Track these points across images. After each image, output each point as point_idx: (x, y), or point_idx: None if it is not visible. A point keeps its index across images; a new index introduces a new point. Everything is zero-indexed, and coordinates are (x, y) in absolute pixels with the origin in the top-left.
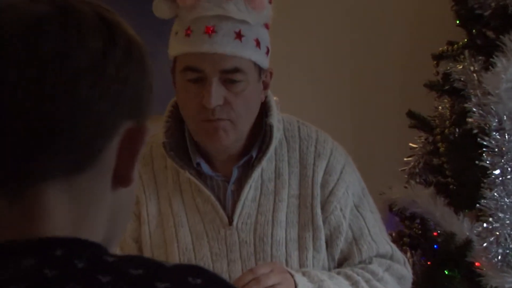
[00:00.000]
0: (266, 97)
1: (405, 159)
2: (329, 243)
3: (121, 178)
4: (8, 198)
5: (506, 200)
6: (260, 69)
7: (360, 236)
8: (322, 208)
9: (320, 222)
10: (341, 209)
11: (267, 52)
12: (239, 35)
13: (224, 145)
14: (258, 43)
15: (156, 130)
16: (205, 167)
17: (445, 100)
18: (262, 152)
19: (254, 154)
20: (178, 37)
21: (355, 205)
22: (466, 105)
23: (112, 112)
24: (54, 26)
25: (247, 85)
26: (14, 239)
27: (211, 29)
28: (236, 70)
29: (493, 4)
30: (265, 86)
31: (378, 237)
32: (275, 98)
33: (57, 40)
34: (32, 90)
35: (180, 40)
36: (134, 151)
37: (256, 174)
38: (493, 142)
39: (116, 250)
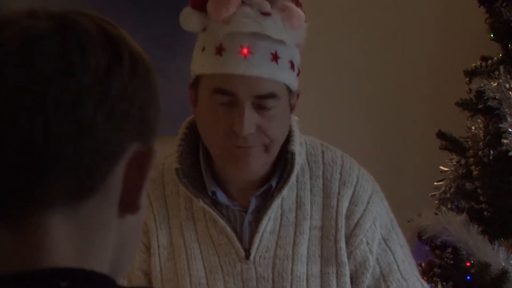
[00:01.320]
0: None
1: (435, 183)
2: (354, 280)
3: (128, 205)
4: (9, 227)
5: None
6: (290, 92)
7: (389, 272)
8: (347, 242)
9: (345, 257)
10: (367, 243)
11: (298, 74)
12: (275, 57)
13: (252, 172)
14: (292, 65)
15: (167, 153)
16: (221, 196)
17: (479, 120)
18: (283, 180)
19: (274, 183)
20: (207, 54)
21: (383, 238)
22: (501, 125)
23: (118, 134)
24: (54, 43)
25: (279, 109)
26: (16, 271)
27: (248, 49)
28: (271, 95)
29: None
30: (292, 109)
31: (408, 273)
32: (295, 118)
33: (58, 59)
34: (32, 112)
35: (210, 57)
36: (141, 176)
37: (276, 204)
38: None
39: (123, 281)
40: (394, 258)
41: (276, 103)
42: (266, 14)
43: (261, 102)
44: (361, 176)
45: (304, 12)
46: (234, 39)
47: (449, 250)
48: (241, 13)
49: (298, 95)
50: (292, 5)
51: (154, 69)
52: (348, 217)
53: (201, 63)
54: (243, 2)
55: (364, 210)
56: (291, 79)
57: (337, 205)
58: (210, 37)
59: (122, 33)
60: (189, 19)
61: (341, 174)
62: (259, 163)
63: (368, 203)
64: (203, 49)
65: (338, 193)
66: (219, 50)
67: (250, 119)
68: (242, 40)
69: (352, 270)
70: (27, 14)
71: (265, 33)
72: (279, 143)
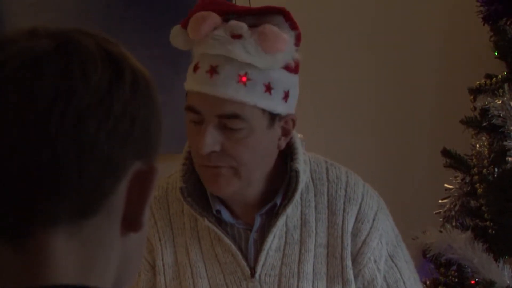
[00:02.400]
0: (290, 139)
1: (440, 201)
2: None
3: (130, 223)
4: (12, 245)
5: None
6: (272, 116)
7: None
8: (354, 260)
9: (351, 275)
10: (375, 261)
11: (285, 97)
12: (243, 79)
13: (225, 193)
14: (268, 88)
15: (172, 170)
16: (226, 215)
17: (483, 138)
18: (288, 198)
19: (278, 201)
20: (189, 72)
21: (389, 255)
22: (505, 143)
23: (120, 152)
24: (56, 63)
25: (249, 132)
26: None
27: (215, 69)
28: (235, 116)
29: None
30: (286, 133)
31: None
32: (299, 135)
33: (59, 79)
34: (35, 133)
35: (189, 75)
36: (144, 194)
37: (281, 222)
38: None
39: None
40: (401, 275)
41: (243, 125)
42: (236, 36)
43: (225, 123)
44: (366, 193)
45: (299, 33)
46: (205, 58)
47: (454, 267)
48: (212, 35)
49: (294, 121)
50: (273, 30)
51: (155, 86)
52: (354, 235)
53: (186, 80)
54: (224, 20)
55: (371, 228)
56: (267, 102)
57: (343, 223)
58: (194, 55)
59: (123, 51)
60: (176, 37)
61: (346, 191)
62: (230, 186)
63: (374, 220)
64: (190, 67)
65: (344, 210)
66: (195, 69)
67: (211, 138)
68: (212, 60)
69: None
70: (28, 34)
71: (230, 56)
72: (250, 167)
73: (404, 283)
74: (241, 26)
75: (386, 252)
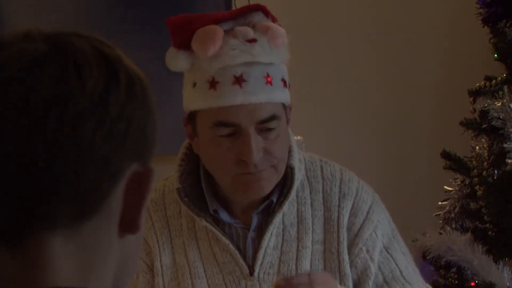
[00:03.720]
0: None
1: (439, 203)
2: None
3: (128, 224)
4: (10, 248)
5: None
6: (285, 107)
7: (392, 278)
8: (348, 252)
9: (348, 270)
10: (367, 251)
11: (289, 86)
12: (269, 79)
13: (266, 193)
14: (284, 83)
15: (169, 171)
16: (223, 215)
17: (483, 140)
18: (284, 196)
19: (274, 198)
20: (200, 90)
21: (385, 247)
22: (505, 145)
23: (117, 155)
24: (51, 67)
25: (280, 128)
26: None
27: (241, 78)
28: (273, 117)
29: None
30: (288, 121)
31: (412, 278)
32: (299, 137)
33: (55, 82)
34: (32, 137)
35: (204, 92)
36: (141, 196)
37: (278, 220)
38: None
39: None
40: (397, 265)
41: (278, 124)
42: (252, 41)
43: (264, 126)
44: (360, 188)
45: (280, 25)
46: (226, 71)
47: (454, 270)
48: (228, 46)
49: (290, 108)
50: (273, 25)
51: (150, 87)
52: (349, 229)
53: (194, 99)
54: (225, 32)
55: (364, 220)
56: (285, 96)
57: (338, 218)
58: (200, 72)
59: (118, 53)
60: (176, 60)
61: (340, 187)
62: (271, 184)
63: (368, 213)
64: (194, 85)
65: (339, 206)
66: (213, 84)
67: (257, 146)
68: (234, 71)
69: (355, 279)
70: (23, 37)
71: (256, 60)
72: (285, 160)
73: (400, 272)
74: (249, 30)
75: (381, 244)
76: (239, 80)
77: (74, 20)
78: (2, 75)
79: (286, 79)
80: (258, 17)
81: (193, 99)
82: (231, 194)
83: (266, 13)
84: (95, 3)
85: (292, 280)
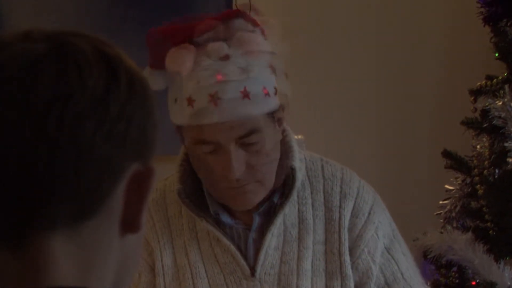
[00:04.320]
0: (285, 136)
1: (440, 202)
2: None
3: (129, 224)
4: (10, 248)
5: None
6: (271, 114)
7: (393, 281)
8: (350, 254)
9: (349, 271)
10: (369, 252)
11: (275, 92)
12: (246, 94)
13: (253, 205)
14: (266, 92)
15: (169, 171)
16: (224, 216)
17: (484, 139)
18: (285, 196)
19: (276, 199)
20: (180, 106)
21: (386, 248)
22: (506, 144)
23: (118, 154)
24: (51, 67)
25: (264, 140)
26: None
27: (215, 96)
28: (252, 131)
29: None
30: (280, 123)
31: (413, 280)
32: (300, 136)
33: (56, 82)
34: (32, 137)
35: (183, 109)
36: (141, 195)
37: (279, 220)
38: None
39: None
40: (398, 267)
41: (260, 136)
42: (225, 58)
43: (244, 141)
44: (361, 188)
45: (262, 30)
46: (201, 90)
47: (455, 269)
48: (200, 66)
49: (283, 108)
50: (247, 35)
51: (150, 87)
52: (350, 230)
53: (176, 115)
54: (198, 48)
55: (366, 221)
56: (269, 105)
57: (339, 218)
58: (179, 89)
59: (118, 52)
60: (152, 79)
61: (341, 187)
62: (258, 197)
63: (369, 213)
64: (176, 100)
65: (340, 206)
66: (190, 102)
67: (238, 161)
68: (208, 90)
69: (356, 281)
70: (23, 37)
71: (230, 79)
72: (271, 173)
73: (402, 274)
74: (222, 46)
75: (382, 245)
76: (214, 99)
77: (75, 20)
78: (2, 75)
79: (269, 86)
80: (237, 24)
81: (175, 115)
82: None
83: (247, 18)
84: (95, 3)
85: None
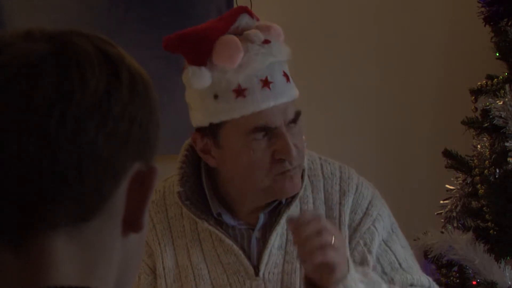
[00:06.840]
0: None
1: (441, 202)
2: None
3: (131, 224)
4: (12, 248)
5: None
6: None
7: (391, 270)
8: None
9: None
10: (365, 244)
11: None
12: (287, 76)
13: (298, 191)
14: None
15: (169, 171)
16: (227, 218)
17: (484, 139)
18: (292, 196)
19: (283, 199)
20: (225, 100)
21: (384, 240)
22: (507, 143)
23: (120, 154)
24: (53, 67)
25: (300, 122)
26: None
27: (267, 80)
28: (298, 113)
29: None
30: None
31: (411, 269)
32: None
33: (58, 82)
34: (34, 136)
35: (231, 102)
36: (144, 195)
37: (283, 220)
38: None
39: None
40: (396, 257)
41: (300, 118)
42: (266, 42)
43: (292, 122)
44: (360, 184)
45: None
46: (251, 76)
47: (455, 268)
48: (251, 53)
49: None
50: (270, 24)
51: (153, 86)
52: (349, 226)
53: (218, 111)
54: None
55: (364, 214)
56: (296, 90)
57: (340, 215)
58: (223, 83)
59: (120, 52)
60: (201, 78)
61: (340, 185)
62: (300, 183)
63: (367, 208)
64: (216, 97)
65: (340, 204)
66: (240, 92)
67: (291, 140)
68: (259, 74)
69: None
70: (24, 36)
71: (277, 60)
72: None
73: (399, 264)
74: (258, 32)
75: (380, 237)
76: (267, 83)
77: (76, 19)
78: (4, 75)
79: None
80: (245, 19)
81: (217, 112)
82: (262, 196)
83: (251, 14)
84: (96, 2)
85: (305, 226)
